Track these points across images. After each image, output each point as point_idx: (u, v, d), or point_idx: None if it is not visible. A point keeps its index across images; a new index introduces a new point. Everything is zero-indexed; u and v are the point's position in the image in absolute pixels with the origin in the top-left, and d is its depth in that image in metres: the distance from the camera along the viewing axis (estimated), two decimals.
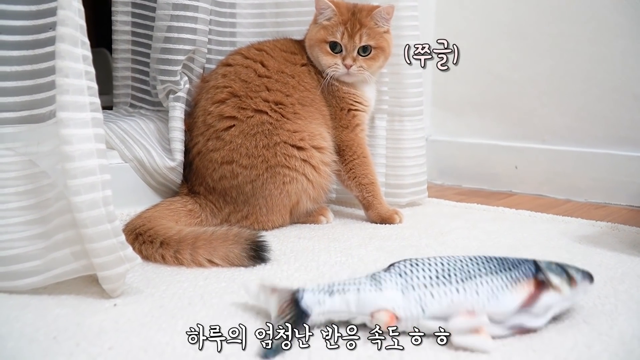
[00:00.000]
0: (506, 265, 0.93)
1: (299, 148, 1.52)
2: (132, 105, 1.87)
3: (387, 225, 1.58)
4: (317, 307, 0.92)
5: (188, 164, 1.58)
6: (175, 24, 1.62)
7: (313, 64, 1.62)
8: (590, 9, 1.86)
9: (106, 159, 1.02)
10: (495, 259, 0.95)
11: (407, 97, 1.78)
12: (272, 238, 1.45)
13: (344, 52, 1.57)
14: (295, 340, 0.87)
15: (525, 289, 0.90)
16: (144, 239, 1.27)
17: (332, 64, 1.57)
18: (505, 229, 1.53)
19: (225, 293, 1.07)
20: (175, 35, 1.62)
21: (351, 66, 1.57)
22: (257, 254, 1.24)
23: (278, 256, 1.30)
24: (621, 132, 1.84)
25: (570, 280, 0.93)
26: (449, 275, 0.92)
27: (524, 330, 0.90)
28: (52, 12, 1.07)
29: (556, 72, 1.95)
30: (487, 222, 1.61)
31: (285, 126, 1.51)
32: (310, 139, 1.53)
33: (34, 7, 1.13)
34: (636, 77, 1.80)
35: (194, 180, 1.55)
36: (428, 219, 1.64)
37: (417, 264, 0.94)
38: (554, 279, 0.92)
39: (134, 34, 1.83)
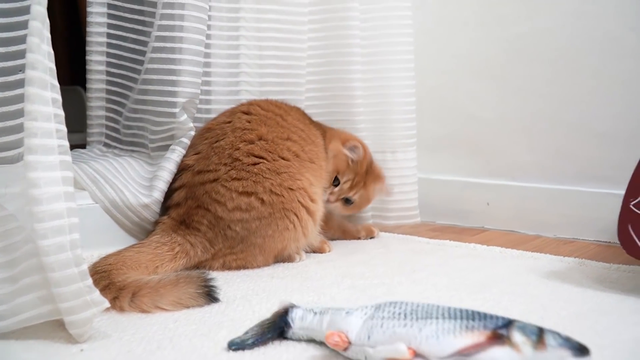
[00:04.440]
0: (473, 316, 0.89)
1: (312, 200, 1.59)
2: (105, 145, 1.87)
3: (361, 263, 1.59)
4: (299, 321, 1.03)
5: (188, 188, 1.54)
6: (178, 67, 1.64)
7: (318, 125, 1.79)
8: (557, 50, 1.91)
9: (74, 202, 1.02)
10: (472, 311, 0.91)
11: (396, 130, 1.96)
12: (244, 277, 1.45)
13: (336, 190, 1.76)
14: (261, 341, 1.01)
15: (474, 337, 0.86)
16: (96, 277, 1.22)
17: (326, 187, 1.72)
18: (475, 266, 1.55)
19: (195, 336, 1.07)
20: (177, 78, 1.64)
21: (332, 202, 1.76)
22: (209, 292, 1.23)
23: (250, 296, 1.30)
24: (587, 169, 1.88)
25: (539, 342, 0.84)
26: (410, 314, 0.92)
27: None
28: (22, 54, 1.08)
29: (525, 111, 1.99)
30: (459, 259, 1.62)
31: (306, 175, 1.59)
32: (318, 195, 1.62)
33: (2, 50, 1.14)
34: (601, 116, 1.84)
35: (193, 209, 1.50)
36: (402, 256, 1.65)
37: (395, 304, 0.96)
38: (517, 337, 0.85)
39: (108, 73, 1.83)
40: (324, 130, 1.80)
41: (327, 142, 1.77)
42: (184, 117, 1.65)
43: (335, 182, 1.76)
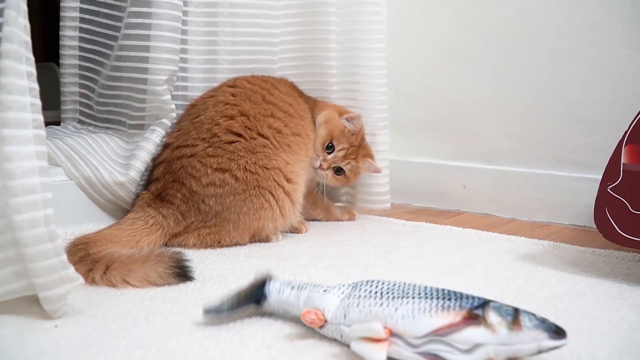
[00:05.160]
0: (449, 295, 0.89)
1: (289, 180, 1.58)
2: (80, 122, 1.85)
3: (338, 244, 1.59)
4: (276, 294, 1.03)
5: (167, 163, 1.55)
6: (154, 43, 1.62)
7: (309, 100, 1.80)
8: (535, 34, 1.91)
9: (48, 177, 1.00)
10: (448, 291, 0.91)
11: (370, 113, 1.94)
12: (221, 256, 1.45)
13: (329, 157, 1.75)
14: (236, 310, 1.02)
15: (449, 317, 0.86)
16: (74, 249, 1.25)
17: (317, 154, 1.74)
18: (452, 248, 1.56)
19: (171, 313, 1.06)
20: (155, 55, 1.62)
21: (323, 169, 1.75)
22: (183, 272, 1.23)
23: (226, 274, 1.30)
24: (564, 154, 1.89)
25: (514, 323, 0.84)
26: (386, 293, 0.92)
27: None
28: None
29: (502, 95, 2.00)
30: (435, 240, 1.63)
31: (282, 155, 1.58)
32: (296, 175, 1.61)
33: None
34: (579, 101, 1.85)
35: (170, 183, 1.52)
36: (378, 238, 1.66)
37: (372, 283, 0.96)
38: (493, 317, 0.84)
39: (81, 49, 1.80)
40: (314, 103, 1.80)
41: (316, 114, 1.76)
42: (167, 96, 1.64)
43: (330, 149, 1.75)
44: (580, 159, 1.86)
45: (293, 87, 1.79)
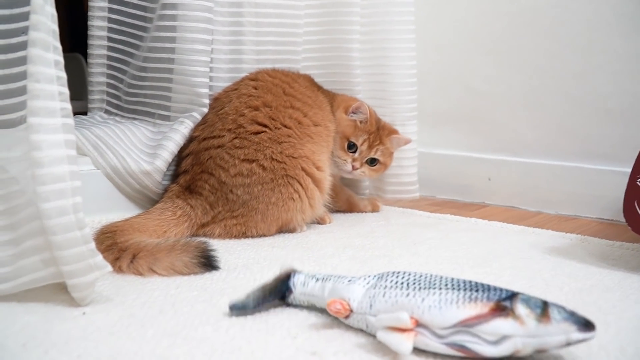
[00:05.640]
0: (476, 287, 0.88)
1: (318, 167, 1.59)
2: (107, 112, 1.86)
3: (362, 235, 1.58)
4: (301, 287, 1.03)
5: (194, 155, 1.56)
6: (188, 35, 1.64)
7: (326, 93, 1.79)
8: (563, 24, 1.89)
9: (77, 166, 1.01)
10: (476, 282, 0.90)
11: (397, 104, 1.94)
12: (246, 246, 1.45)
13: (356, 155, 1.74)
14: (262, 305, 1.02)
15: (477, 309, 0.85)
16: (102, 238, 1.27)
17: (343, 159, 1.73)
18: (477, 240, 1.54)
19: (197, 302, 1.07)
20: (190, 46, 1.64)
21: (357, 169, 1.74)
22: (208, 261, 1.24)
23: (251, 264, 1.30)
24: (592, 146, 1.87)
25: (543, 315, 0.83)
26: (412, 284, 0.92)
27: (469, 353, 0.84)
28: (25, 16, 1.06)
29: (529, 86, 1.98)
30: (460, 232, 1.62)
31: (307, 145, 1.58)
32: (323, 163, 1.62)
33: (6, 11, 1.13)
34: (608, 93, 1.83)
35: (198, 174, 1.53)
36: (402, 229, 1.65)
37: (398, 274, 0.96)
38: (521, 309, 0.84)
39: (109, 39, 1.82)
40: (332, 97, 1.80)
41: (335, 109, 1.76)
42: (203, 89, 1.65)
43: (352, 148, 1.74)
44: (609, 151, 1.83)
45: (312, 81, 1.79)
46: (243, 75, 1.73)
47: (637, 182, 1.32)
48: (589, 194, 1.85)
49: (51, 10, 1.01)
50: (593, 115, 1.86)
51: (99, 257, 1.02)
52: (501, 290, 0.88)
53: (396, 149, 1.82)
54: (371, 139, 1.74)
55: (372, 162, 1.76)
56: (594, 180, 1.84)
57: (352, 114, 1.74)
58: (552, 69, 1.93)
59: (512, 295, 0.86)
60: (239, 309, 1.01)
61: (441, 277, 0.93)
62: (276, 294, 1.04)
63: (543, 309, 0.84)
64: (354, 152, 1.74)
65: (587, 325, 0.83)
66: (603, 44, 1.82)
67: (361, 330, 0.95)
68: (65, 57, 1.05)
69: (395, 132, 1.80)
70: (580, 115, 1.88)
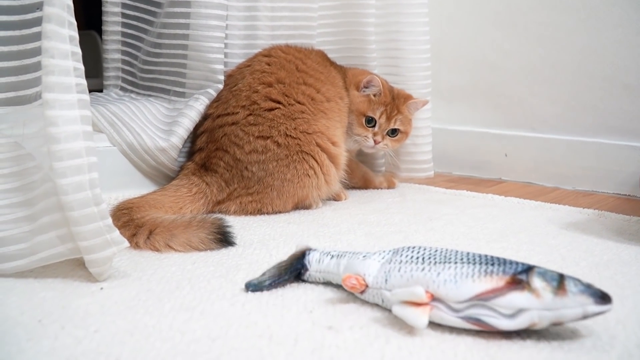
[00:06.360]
0: (492, 261, 0.88)
1: (334, 143, 1.59)
2: (122, 89, 1.86)
3: (377, 211, 1.58)
4: (316, 264, 1.04)
5: (209, 133, 1.57)
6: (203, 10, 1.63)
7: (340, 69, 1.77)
8: None
9: (93, 141, 1.01)
10: (491, 256, 0.89)
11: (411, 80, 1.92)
12: (261, 222, 1.45)
13: (376, 129, 1.72)
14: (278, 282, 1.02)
15: (492, 282, 0.84)
16: (118, 214, 1.27)
17: (363, 135, 1.72)
18: (493, 216, 1.54)
19: (213, 277, 1.07)
20: (205, 22, 1.63)
21: (379, 142, 1.72)
22: (224, 237, 1.24)
23: (267, 240, 1.30)
24: (610, 121, 1.85)
25: (559, 288, 0.82)
26: (428, 258, 0.92)
27: (485, 327, 0.84)
28: None
29: (547, 61, 1.95)
30: (476, 208, 1.61)
31: (321, 120, 1.58)
32: (339, 138, 1.62)
33: None
34: (626, 68, 1.80)
35: (213, 151, 1.53)
36: (418, 206, 1.65)
37: (413, 249, 0.96)
38: (537, 282, 0.83)
39: (124, 15, 1.81)
40: (344, 72, 1.78)
41: (349, 84, 1.75)
42: (218, 66, 1.65)
43: (370, 123, 1.72)
44: (627, 126, 1.81)
45: (324, 56, 1.78)
46: (258, 51, 1.72)
47: None
48: (607, 169, 1.83)
49: None
50: (610, 90, 1.84)
51: (116, 233, 1.02)
52: (517, 263, 0.87)
53: (414, 115, 1.80)
54: (388, 110, 1.72)
55: (393, 132, 1.75)
56: (611, 155, 1.82)
57: (364, 89, 1.72)
58: (569, 43, 1.90)
59: (528, 269, 0.86)
60: (254, 287, 1.01)
61: (457, 252, 0.93)
62: (292, 272, 1.04)
63: (559, 281, 0.83)
64: (373, 126, 1.72)
65: (603, 297, 0.82)
66: (620, 18, 1.79)
67: (377, 305, 0.95)
68: (80, 35, 1.04)
69: (410, 97, 1.77)
70: (598, 90, 1.86)
